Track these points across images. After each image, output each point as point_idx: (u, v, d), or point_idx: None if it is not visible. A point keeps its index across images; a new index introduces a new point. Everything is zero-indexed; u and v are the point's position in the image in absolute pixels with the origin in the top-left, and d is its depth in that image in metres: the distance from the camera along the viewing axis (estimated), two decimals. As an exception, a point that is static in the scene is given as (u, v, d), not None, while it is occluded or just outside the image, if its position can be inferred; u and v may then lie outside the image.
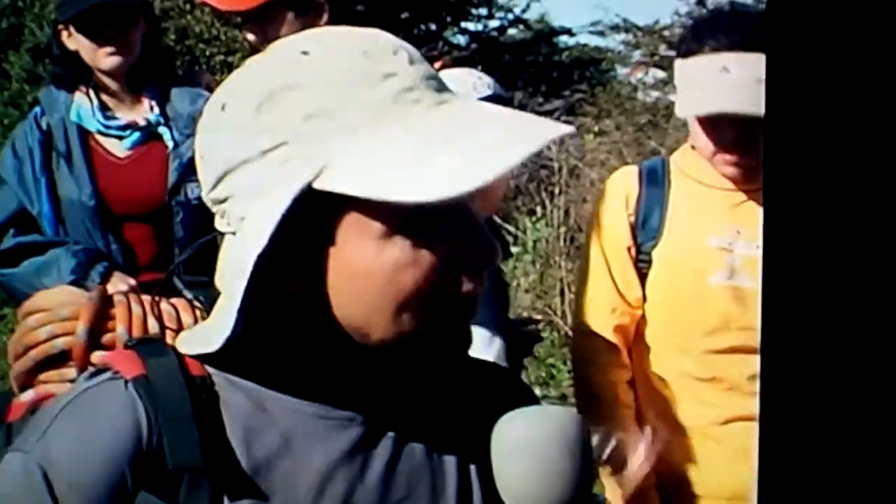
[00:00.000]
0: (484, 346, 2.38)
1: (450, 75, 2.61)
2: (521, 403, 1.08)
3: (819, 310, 0.65)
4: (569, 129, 0.99)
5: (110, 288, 2.66)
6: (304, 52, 0.99)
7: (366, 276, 0.97)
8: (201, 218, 2.53)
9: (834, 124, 0.64)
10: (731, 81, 2.12)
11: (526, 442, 1.01)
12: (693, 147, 2.32)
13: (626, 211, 2.34)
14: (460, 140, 0.95)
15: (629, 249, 2.34)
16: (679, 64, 2.26)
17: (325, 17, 2.89)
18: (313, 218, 0.97)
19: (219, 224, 1.04)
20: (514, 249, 6.72)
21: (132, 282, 2.72)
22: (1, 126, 9.60)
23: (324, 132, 0.95)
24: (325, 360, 1.04)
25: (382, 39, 1.01)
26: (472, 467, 1.10)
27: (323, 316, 1.01)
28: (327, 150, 0.95)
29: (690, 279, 2.27)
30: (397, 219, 0.96)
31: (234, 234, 1.02)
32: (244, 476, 1.00)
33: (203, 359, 1.03)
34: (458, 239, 0.98)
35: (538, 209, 7.26)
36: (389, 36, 1.02)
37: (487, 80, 2.55)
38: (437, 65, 3.18)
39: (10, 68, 10.04)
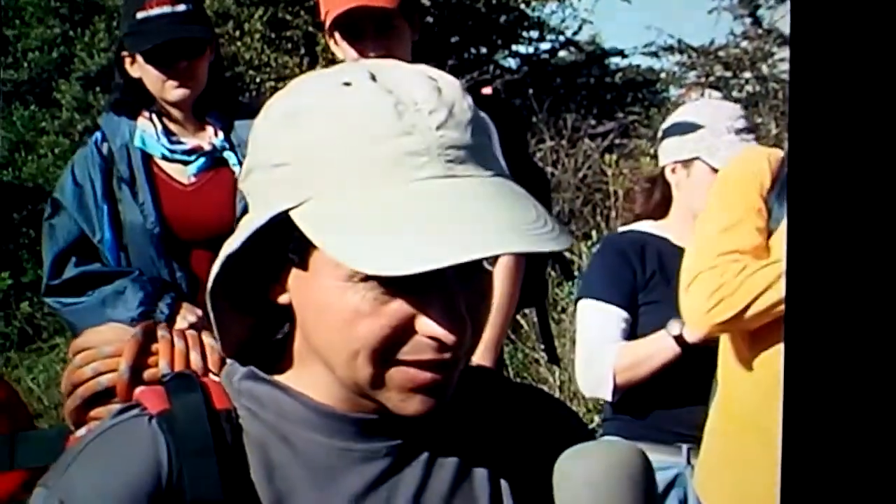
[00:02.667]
0: (605, 320, 2.79)
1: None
2: (565, 431, 1.10)
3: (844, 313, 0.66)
4: (552, 246, 0.94)
5: (179, 319, 2.69)
6: (347, 84, 0.98)
7: (327, 312, 0.99)
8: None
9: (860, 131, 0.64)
10: None
11: (591, 478, 1.00)
12: None
13: (762, 190, 2.32)
14: (428, 221, 0.92)
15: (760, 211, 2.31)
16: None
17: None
18: (296, 241, 0.98)
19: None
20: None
21: (199, 313, 2.68)
22: (52, 155, 9.70)
23: (322, 167, 0.95)
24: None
25: (427, 92, 0.97)
26: (506, 495, 1.08)
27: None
28: (315, 186, 0.95)
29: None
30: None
31: None
32: None
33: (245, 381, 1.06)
34: (424, 306, 0.97)
35: (593, 233, 7.23)
36: (448, 87, 0.99)
37: (741, 123, 2.82)
38: (488, 89, 3.10)
39: (61, 97, 10.18)
